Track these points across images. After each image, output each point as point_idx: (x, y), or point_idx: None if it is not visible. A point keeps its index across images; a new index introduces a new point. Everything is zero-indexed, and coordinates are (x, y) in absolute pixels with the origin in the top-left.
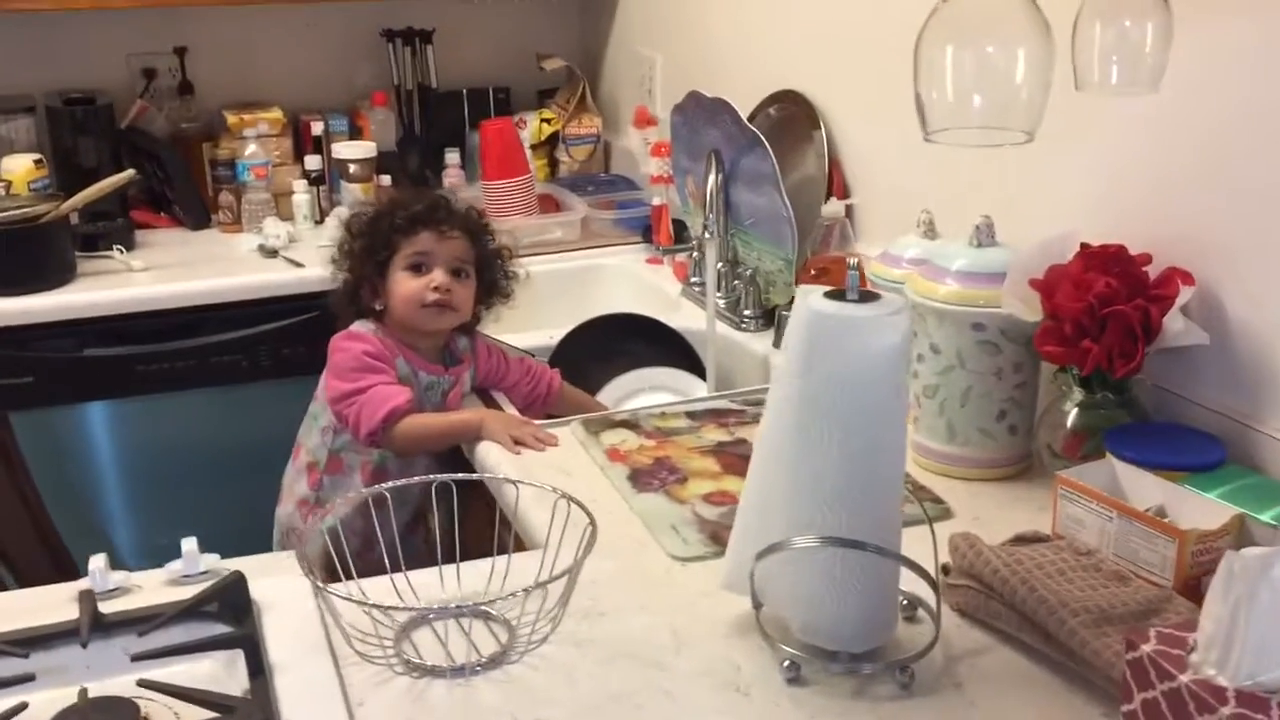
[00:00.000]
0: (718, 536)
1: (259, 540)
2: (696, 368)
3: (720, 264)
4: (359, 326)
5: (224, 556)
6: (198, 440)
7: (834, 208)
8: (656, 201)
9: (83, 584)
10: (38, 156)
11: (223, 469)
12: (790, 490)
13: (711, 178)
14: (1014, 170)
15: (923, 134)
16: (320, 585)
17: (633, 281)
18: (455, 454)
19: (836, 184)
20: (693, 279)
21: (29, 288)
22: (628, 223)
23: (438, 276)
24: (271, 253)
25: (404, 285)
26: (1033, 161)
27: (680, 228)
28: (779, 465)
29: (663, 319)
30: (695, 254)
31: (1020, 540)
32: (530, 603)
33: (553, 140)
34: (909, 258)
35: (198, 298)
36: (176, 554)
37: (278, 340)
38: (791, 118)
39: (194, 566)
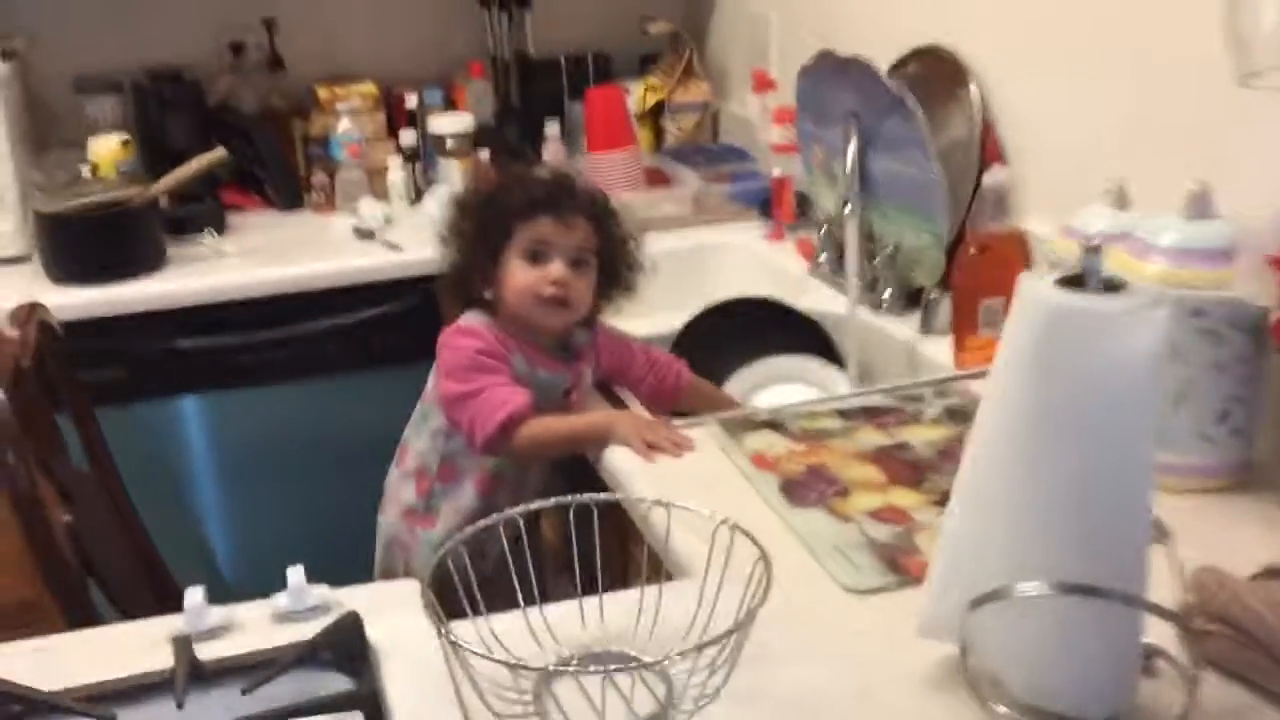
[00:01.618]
0: (895, 562)
1: (360, 541)
2: (831, 356)
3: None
4: (471, 319)
5: (324, 558)
6: (294, 435)
7: (998, 176)
8: (777, 173)
9: (178, 621)
10: (125, 137)
11: (321, 465)
12: (1014, 522)
13: (851, 146)
14: (1218, 128)
15: (1236, 76)
16: (455, 640)
17: (753, 261)
18: (574, 456)
19: (990, 148)
20: (821, 258)
21: (118, 275)
22: (744, 196)
23: (556, 269)
24: (368, 234)
25: (519, 275)
26: (1242, 116)
27: (802, 201)
28: (999, 491)
29: (790, 303)
30: (823, 230)
31: (1273, 573)
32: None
33: (657, 109)
34: (1096, 232)
35: (293, 284)
36: (274, 558)
37: (376, 329)
38: (932, 76)
39: (302, 601)
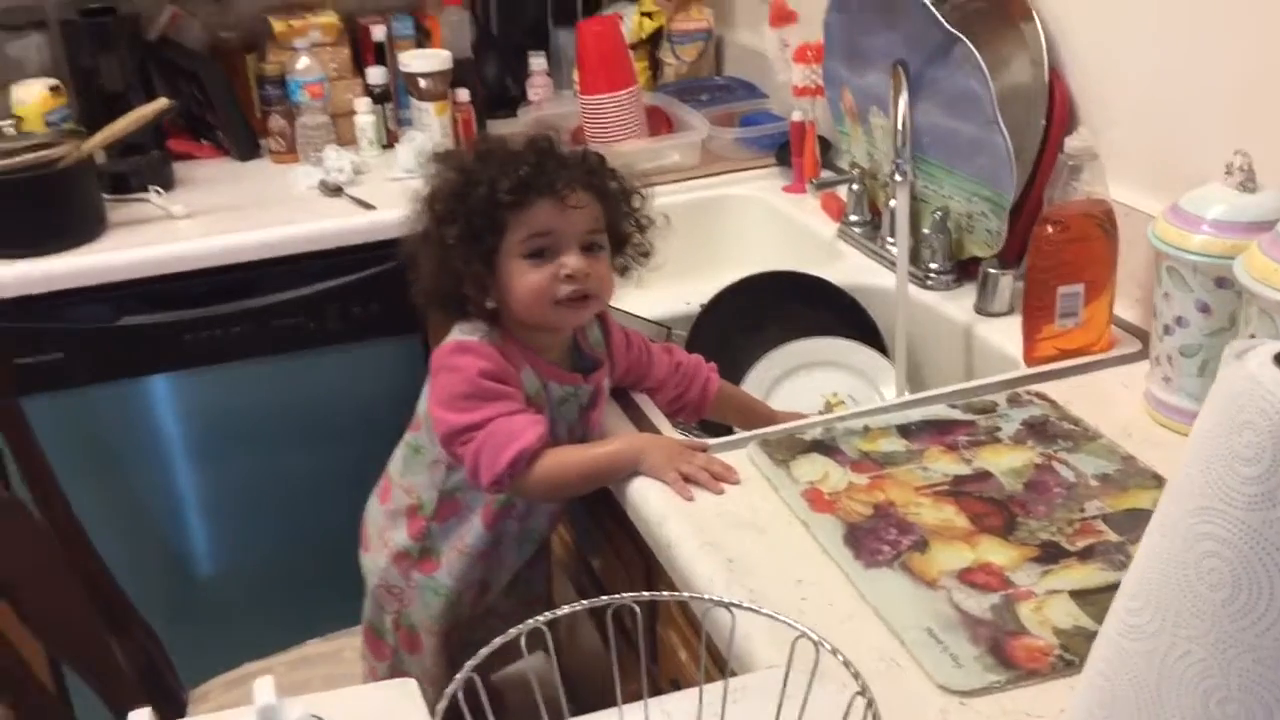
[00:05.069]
0: (1000, 650)
1: (338, 529)
2: (869, 336)
3: (891, 201)
4: (469, 333)
5: (301, 539)
6: (261, 417)
7: (1084, 140)
8: (797, 117)
9: None
10: (54, 82)
11: (292, 448)
12: (1209, 673)
13: (903, 99)
14: None
15: None
16: None
17: (771, 218)
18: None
19: (1059, 100)
20: (852, 218)
21: (51, 247)
22: (757, 141)
23: (569, 261)
24: (334, 190)
25: (526, 279)
26: None
27: (824, 147)
28: (1186, 631)
29: (818, 270)
30: (855, 187)
31: None
32: None
33: (654, 38)
34: (1214, 219)
35: (253, 251)
36: (245, 551)
37: (347, 297)
38: (985, 11)
39: None
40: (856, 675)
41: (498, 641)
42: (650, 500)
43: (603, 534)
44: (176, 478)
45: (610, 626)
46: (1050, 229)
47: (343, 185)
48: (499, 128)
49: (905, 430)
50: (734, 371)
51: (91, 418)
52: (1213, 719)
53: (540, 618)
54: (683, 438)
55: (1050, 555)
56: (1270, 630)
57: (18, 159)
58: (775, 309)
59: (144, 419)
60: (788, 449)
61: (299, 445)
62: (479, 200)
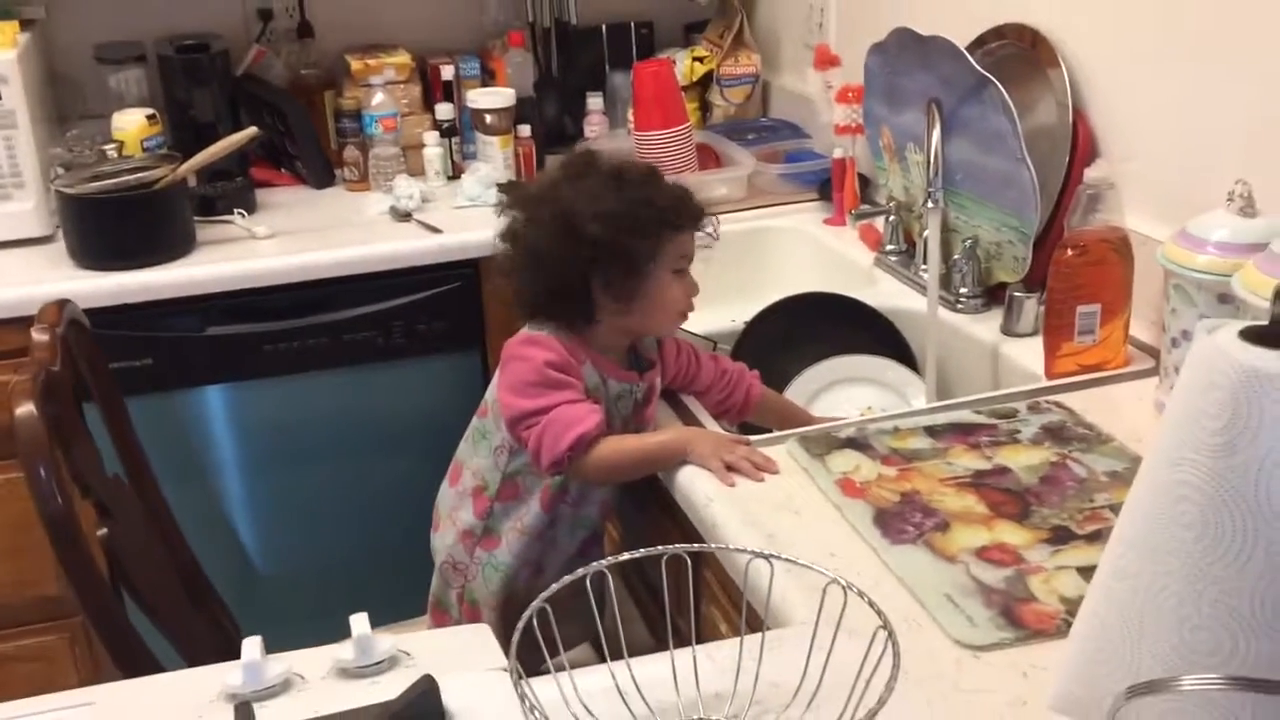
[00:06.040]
0: (1011, 613)
1: (393, 533)
2: (902, 355)
3: (925, 231)
4: (539, 328)
5: (363, 542)
6: (331, 424)
7: (1102, 171)
8: (839, 154)
9: (235, 676)
10: (151, 112)
11: (359, 454)
12: (1183, 604)
13: (935, 134)
14: None
15: None
16: None
17: (813, 247)
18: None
19: (1082, 138)
20: (888, 247)
21: (147, 261)
22: (801, 177)
23: (695, 283)
24: (404, 215)
25: (671, 292)
26: None
27: (863, 183)
28: (1163, 568)
29: (855, 295)
30: (892, 218)
31: None
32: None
33: (705, 81)
34: (1217, 241)
35: (328, 269)
36: (308, 549)
37: (414, 315)
38: (1016, 57)
39: (368, 654)
40: (880, 613)
41: (567, 579)
42: (697, 486)
43: (652, 529)
44: (248, 480)
45: (664, 571)
46: (1069, 252)
47: (411, 211)
48: (556, 161)
49: (932, 431)
50: (774, 385)
51: (175, 421)
52: (1186, 643)
53: (603, 561)
54: (724, 432)
55: (1060, 538)
56: (1234, 563)
57: (121, 180)
58: (814, 328)
59: (222, 423)
60: (824, 445)
61: (364, 452)
62: (645, 220)
